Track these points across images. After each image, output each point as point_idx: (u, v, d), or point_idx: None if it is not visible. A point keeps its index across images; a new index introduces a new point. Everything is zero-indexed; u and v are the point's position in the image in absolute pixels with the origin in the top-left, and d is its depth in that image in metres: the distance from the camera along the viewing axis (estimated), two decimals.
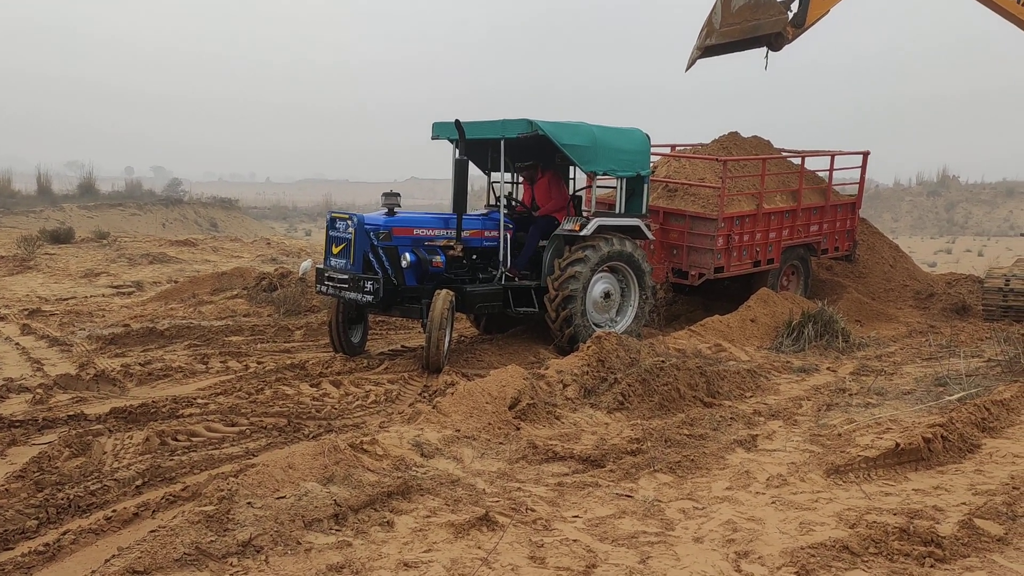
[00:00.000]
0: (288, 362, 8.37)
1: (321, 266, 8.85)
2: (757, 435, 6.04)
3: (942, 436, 5.58)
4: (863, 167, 12.84)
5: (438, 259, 8.72)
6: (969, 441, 5.72)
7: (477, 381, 6.70)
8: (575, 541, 4.16)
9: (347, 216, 8.57)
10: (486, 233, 9.25)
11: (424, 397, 7.16)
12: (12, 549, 4.16)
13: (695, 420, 6.36)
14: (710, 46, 11.97)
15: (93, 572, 3.61)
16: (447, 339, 8.19)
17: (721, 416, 6.53)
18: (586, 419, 6.53)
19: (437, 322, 7.94)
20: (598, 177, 9.44)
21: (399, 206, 8.92)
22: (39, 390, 6.98)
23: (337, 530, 4.17)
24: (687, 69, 12.38)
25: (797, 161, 12.32)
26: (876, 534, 4.11)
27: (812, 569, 3.81)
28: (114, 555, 3.80)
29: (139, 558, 3.59)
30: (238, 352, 8.86)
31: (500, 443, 5.79)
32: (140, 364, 8.12)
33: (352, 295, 8.38)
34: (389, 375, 8.11)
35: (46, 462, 5.20)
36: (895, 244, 14.62)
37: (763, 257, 11.47)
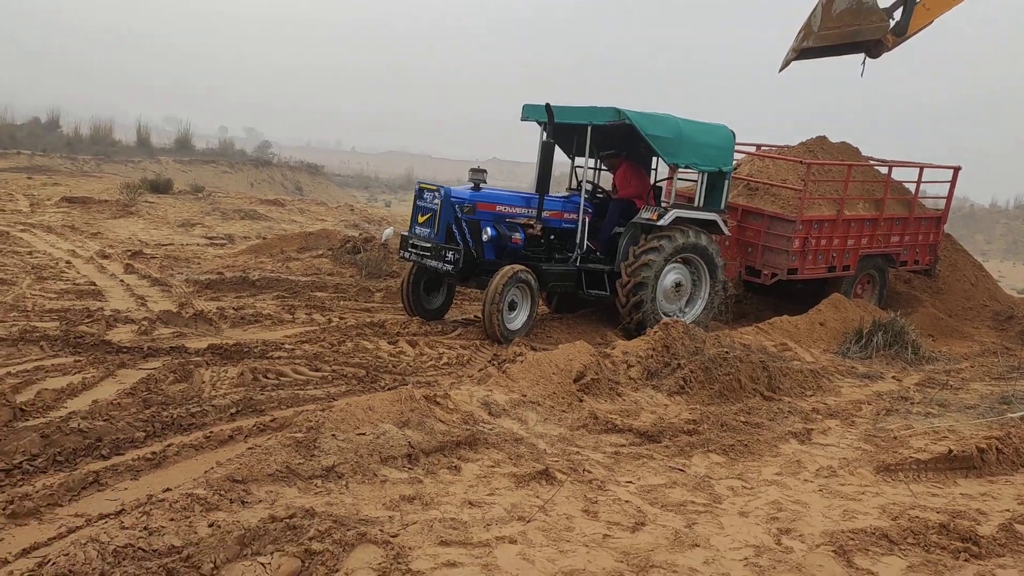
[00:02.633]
0: (368, 320, 8.85)
1: (406, 233, 9.26)
2: (812, 429, 6.23)
3: (997, 448, 5.68)
4: (952, 182, 12.65)
5: (517, 236, 9.05)
6: None
7: (546, 352, 7.03)
8: (627, 502, 4.47)
9: (435, 188, 8.95)
10: (565, 215, 9.52)
11: (494, 364, 7.52)
12: (123, 455, 4.67)
13: (752, 410, 6.58)
14: (807, 48, 11.96)
15: (196, 478, 4.07)
16: (524, 314, 8.70)
17: (779, 409, 6.72)
18: (646, 399, 6.79)
19: (491, 295, 8.35)
20: (680, 169, 9.63)
21: (485, 182, 9.25)
22: (144, 323, 7.59)
23: (409, 468, 4.56)
24: (780, 70, 12.40)
25: (884, 171, 12.24)
26: (916, 527, 4.31)
27: (849, 551, 4.04)
28: (214, 466, 4.27)
29: (237, 469, 4.04)
30: (322, 307, 9.38)
31: (563, 411, 6.12)
32: (233, 309, 8.70)
33: (433, 263, 8.75)
34: (462, 341, 8.51)
35: (152, 384, 5.74)
36: (979, 263, 14.36)
37: (839, 263, 11.45)
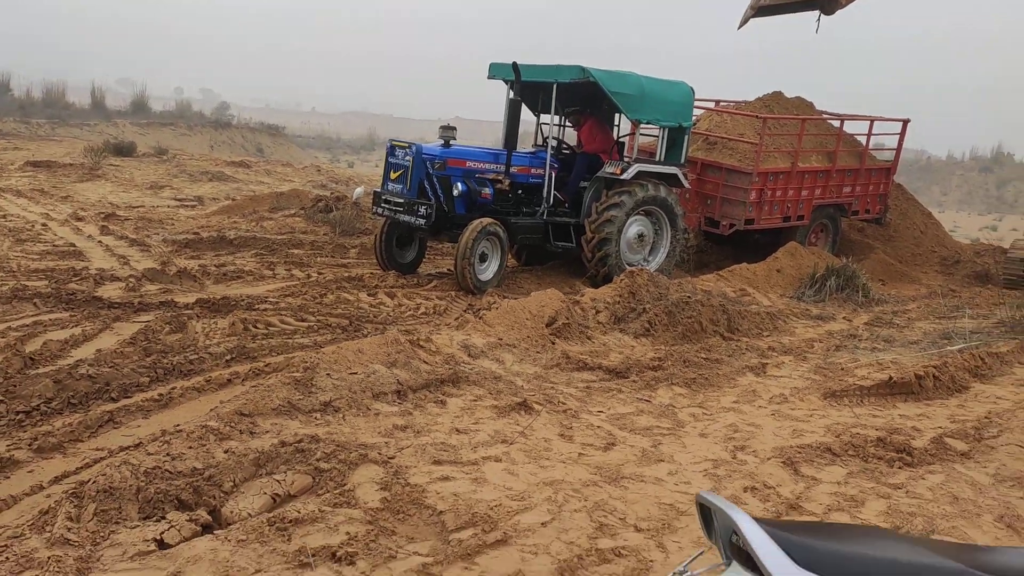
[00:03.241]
0: (346, 275, 9.18)
1: (379, 190, 9.55)
2: (767, 364, 6.74)
3: (934, 376, 6.23)
4: (902, 134, 13.16)
5: (487, 191, 9.42)
6: (959, 383, 6.36)
7: (519, 300, 7.44)
8: (598, 427, 4.93)
9: (407, 145, 9.23)
10: (532, 171, 9.88)
11: (470, 311, 7.91)
12: (131, 397, 5.01)
13: (713, 348, 7.06)
14: (764, 6, 12.32)
15: (207, 413, 4.44)
16: (494, 265, 9.08)
17: (737, 347, 7.23)
18: (614, 341, 7.25)
19: (463, 247, 8.71)
20: (642, 125, 10.01)
21: (455, 139, 9.51)
22: (131, 280, 7.86)
23: (399, 402, 4.97)
24: (739, 27, 12.76)
25: (836, 124, 12.72)
26: (857, 442, 4.83)
27: (796, 462, 4.54)
28: (219, 404, 4.64)
29: (244, 404, 4.41)
30: (300, 263, 9.68)
31: (537, 352, 6.55)
32: (215, 266, 8.97)
33: (406, 218, 9.07)
34: (437, 292, 8.89)
35: (150, 335, 6.06)
36: (928, 212, 14.99)
37: (794, 213, 11.92)
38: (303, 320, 7.10)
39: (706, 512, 1.78)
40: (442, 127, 9.56)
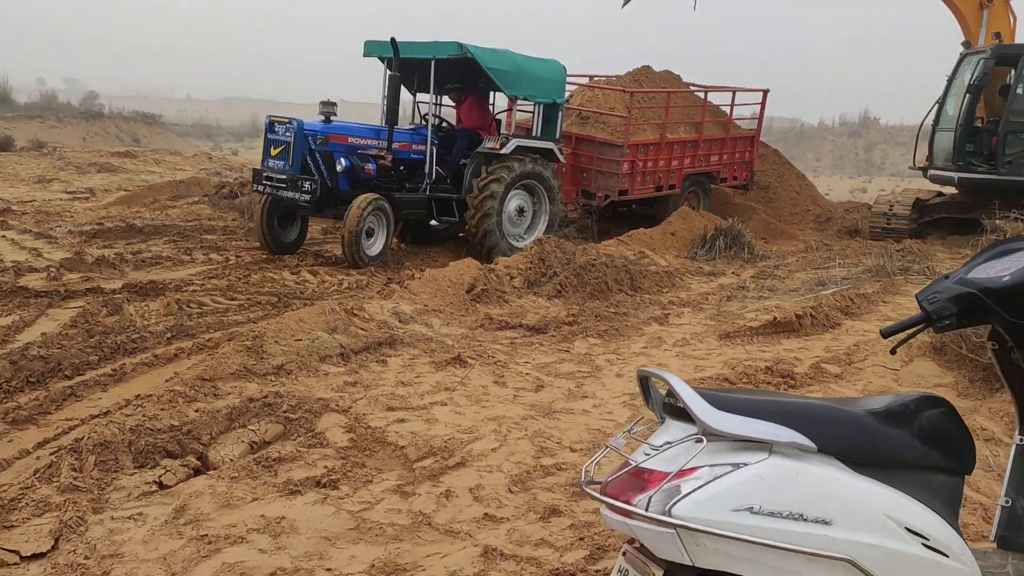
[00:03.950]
0: (264, 257, 9.43)
1: (259, 167, 9.51)
2: (669, 315, 7.47)
3: (811, 315, 7.08)
4: (763, 104, 14.06)
5: (369, 167, 9.52)
6: (832, 320, 7.23)
7: (439, 270, 7.94)
8: (527, 374, 5.50)
9: (287, 120, 9.25)
10: (414, 147, 10.05)
11: (394, 283, 8.34)
12: (84, 375, 5.26)
13: (619, 304, 7.76)
14: None
15: (171, 378, 4.78)
16: (381, 240, 9.28)
17: (641, 302, 7.95)
18: (530, 303, 7.84)
19: (351, 221, 8.81)
20: (518, 102, 10.41)
21: (335, 115, 9.63)
22: (50, 270, 7.93)
23: (345, 364, 5.41)
24: (623, 6, 13.50)
25: (701, 96, 13.54)
26: (749, 371, 5.56)
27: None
28: (176, 373, 4.98)
29: (204, 371, 4.78)
30: (216, 247, 9.86)
31: (461, 316, 7.08)
32: (131, 254, 9.07)
33: (289, 194, 9.06)
34: (358, 270, 9.26)
35: (88, 318, 6.26)
36: (802, 174, 16.24)
37: (665, 183, 12.57)
38: (233, 299, 7.39)
39: (644, 384, 2.35)
40: (322, 103, 9.61)
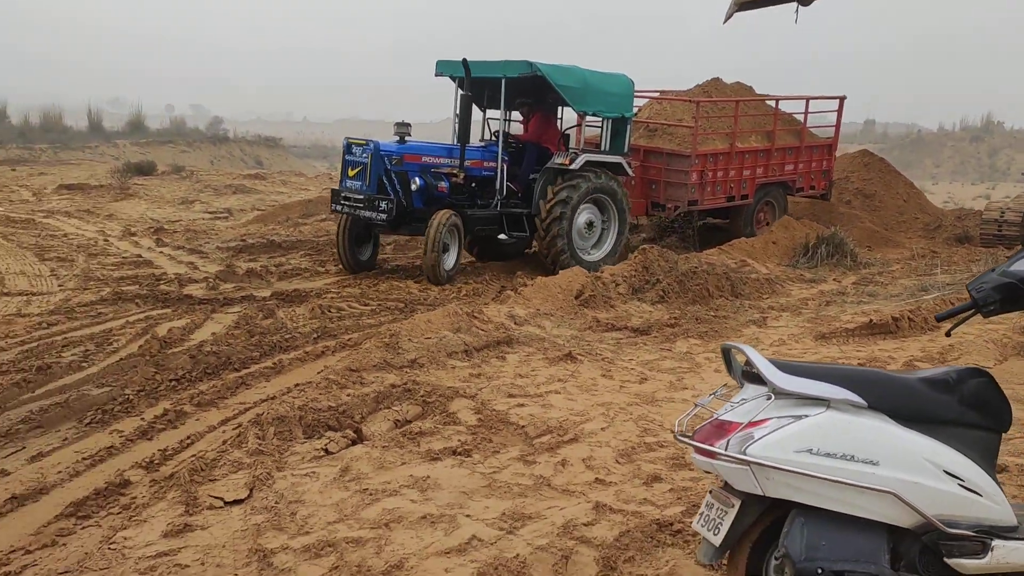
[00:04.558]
0: (388, 267, 10.30)
1: (336, 188, 9.88)
2: (767, 318, 7.87)
3: (909, 317, 7.35)
4: (839, 111, 13.67)
5: (443, 184, 9.73)
6: (931, 323, 7.47)
7: (550, 277, 8.59)
8: (632, 369, 6.06)
9: (364, 142, 9.56)
10: (485, 164, 10.21)
11: (508, 289, 9.02)
12: (249, 368, 6.13)
13: (720, 308, 8.20)
14: (746, 2, 13.42)
15: (322, 370, 5.57)
16: (454, 255, 9.51)
17: (740, 307, 8.36)
18: (634, 308, 8.37)
19: (431, 238, 9.03)
20: (587, 117, 10.57)
21: (409, 135, 9.86)
22: (208, 281, 8.98)
23: (468, 359, 6.09)
24: (724, 22, 13.86)
25: (773, 105, 13.26)
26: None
27: None
28: (326, 366, 5.77)
29: (350, 363, 5.55)
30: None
31: (571, 319, 7.68)
32: (274, 266, 10.10)
33: (367, 214, 9.33)
34: (474, 278, 9.99)
35: (248, 321, 7.19)
36: (910, 182, 16.12)
37: (737, 193, 12.42)
38: (366, 305, 8.23)
39: (726, 355, 2.90)
40: (396, 124, 9.86)
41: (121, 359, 6.10)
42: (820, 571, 2.45)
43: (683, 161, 11.77)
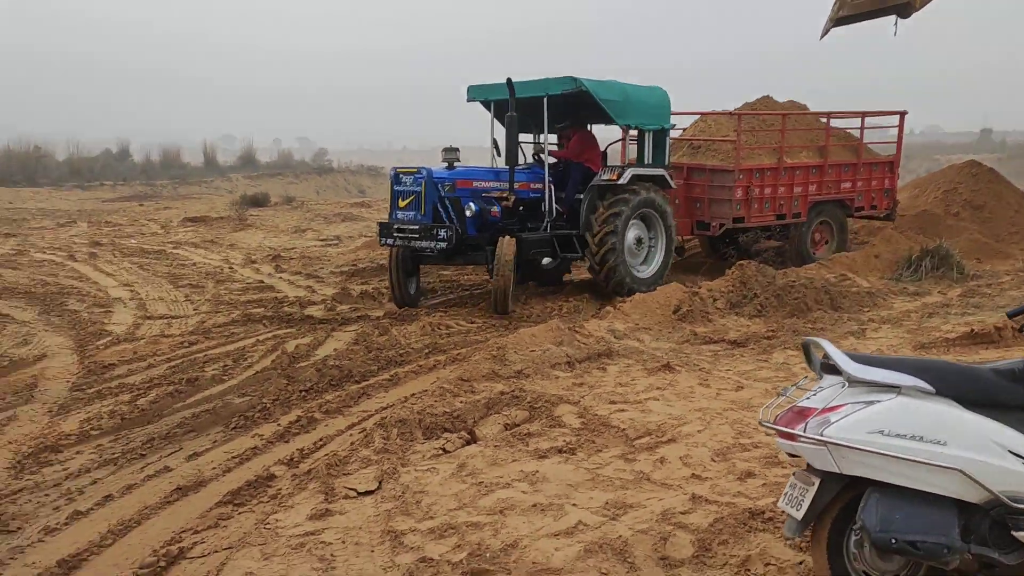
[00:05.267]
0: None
1: (384, 221, 9.56)
2: (866, 330, 7.95)
3: (1012, 327, 7.31)
4: (900, 127, 13.14)
5: (495, 209, 9.45)
6: None
7: (648, 293, 8.89)
8: (728, 378, 6.30)
9: (415, 170, 9.24)
10: (532, 186, 9.98)
11: (603, 308, 9.35)
12: (368, 380, 6.66)
13: (817, 320, 8.32)
14: (843, 17, 13.42)
15: (435, 381, 6.05)
16: (512, 283, 9.04)
17: (839, 319, 8.44)
18: (732, 322, 8.57)
19: (505, 265, 8.71)
20: (630, 130, 10.42)
21: (458, 160, 9.61)
22: (326, 303, 9.66)
23: (571, 370, 6.47)
24: (821, 38, 13.88)
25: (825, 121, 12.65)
26: None
27: None
28: (438, 378, 6.24)
29: (462, 374, 6.01)
30: (451, 280, 11.36)
31: (669, 332, 7.96)
32: (384, 288, 10.71)
33: (423, 244, 8.94)
34: (573, 296, 10.36)
35: (365, 338, 7.76)
36: (1022, 192, 15.63)
37: (788, 210, 11.88)
38: (472, 322, 8.70)
39: (806, 350, 3.18)
40: (445, 149, 9.69)
41: (256, 372, 6.74)
42: (894, 541, 2.71)
43: (727, 176, 11.38)
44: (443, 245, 8.80)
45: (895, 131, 13.23)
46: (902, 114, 13.11)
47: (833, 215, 12.63)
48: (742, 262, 9.78)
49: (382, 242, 9.44)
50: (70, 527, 3.99)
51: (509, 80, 9.31)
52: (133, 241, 16.29)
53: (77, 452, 5.00)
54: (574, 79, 9.43)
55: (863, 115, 12.78)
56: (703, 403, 5.58)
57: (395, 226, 9.21)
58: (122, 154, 42.81)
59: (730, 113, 12.28)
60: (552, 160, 10.24)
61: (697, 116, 13.40)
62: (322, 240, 18.12)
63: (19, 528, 3.99)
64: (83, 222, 19.23)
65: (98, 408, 5.81)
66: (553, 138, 10.74)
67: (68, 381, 6.49)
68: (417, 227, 8.98)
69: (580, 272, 11.41)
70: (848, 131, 13.10)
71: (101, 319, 8.79)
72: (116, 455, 4.95)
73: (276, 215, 23.68)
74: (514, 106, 9.24)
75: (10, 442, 5.12)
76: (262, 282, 11.71)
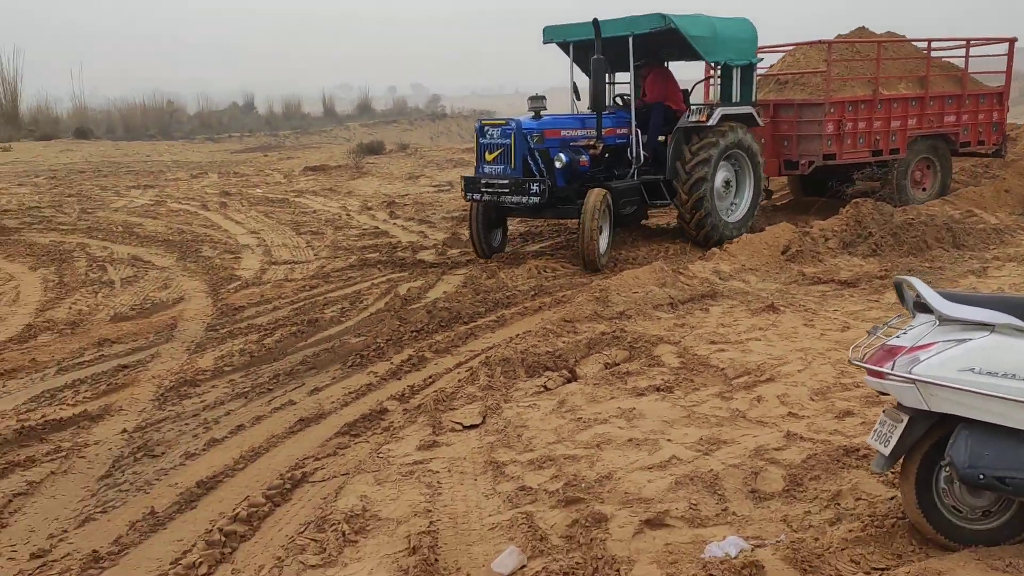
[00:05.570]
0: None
1: (470, 175, 9.23)
2: (988, 268, 7.62)
3: None
4: (1010, 55, 11.96)
5: (584, 159, 8.99)
6: None
7: (755, 234, 8.77)
8: (835, 319, 6.22)
9: (504, 121, 8.89)
10: (617, 131, 9.48)
11: (709, 249, 9.29)
12: (476, 321, 6.92)
13: (936, 259, 8.02)
14: None
15: (539, 322, 6.24)
16: (607, 236, 8.73)
17: (959, 257, 8.11)
18: (844, 262, 8.37)
19: (591, 217, 8.29)
20: (718, 66, 9.84)
21: (544, 108, 9.13)
22: (437, 247, 9.98)
23: (673, 311, 6.53)
24: None
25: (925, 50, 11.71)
26: None
27: None
28: (543, 319, 6.43)
29: (565, 315, 6.18)
30: (560, 225, 11.49)
31: (776, 273, 7.86)
32: None
33: (515, 199, 8.60)
34: (679, 239, 10.30)
35: (474, 281, 8.04)
36: None
37: (885, 146, 11.07)
38: (576, 265, 8.84)
39: (899, 289, 3.17)
40: (531, 98, 9.25)
41: (371, 314, 7.12)
42: (982, 477, 2.73)
43: (816, 110, 10.64)
44: (536, 200, 8.50)
45: (1004, 60, 12.12)
46: (1011, 41, 11.93)
47: (935, 151, 11.72)
48: (857, 200, 9.47)
49: (467, 197, 9.10)
50: (207, 452, 4.43)
51: (595, 21, 8.93)
52: (259, 190, 17.10)
53: (212, 386, 5.48)
54: (663, 16, 8.92)
55: (968, 42, 11.79)
56: (806, 343, 5.56)
57: (482, 181, 8.87)
58: (247, 107, 44.64)
59: (819, 42, 11.45)
60: (638, 102, 9.73)
61: (784, 51, 12.58)
62: (434, 186, 18.52)
63: (163, 453, 4.45)
64: (213, 173, 20.28)
65: (230, 347, 6.30)
66: (624, 76, 10.09)
67: (203, 322, 7.03)
68: (507, 181, 8.65)
69: (656, 217, 11.26)
70: (951, 60, 12.18)
71: (231, 265, 9.39)
72: (246, 389, 5.39)
73: (391, 162, 24.28)
74: (600, 48, 8.81)
75: (154, 377, 5.65)
76: (377, 228, 12.16)
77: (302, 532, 3.50)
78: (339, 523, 3.50)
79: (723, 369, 5.08)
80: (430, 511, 3.57)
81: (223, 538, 3.46)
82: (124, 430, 4.75)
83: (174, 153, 26.27)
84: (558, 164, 8.73)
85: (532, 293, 7.69)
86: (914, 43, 12.00)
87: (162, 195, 15.68)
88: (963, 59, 11.86)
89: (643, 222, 10.92)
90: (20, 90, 30.11)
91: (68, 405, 5.14)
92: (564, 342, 5.67)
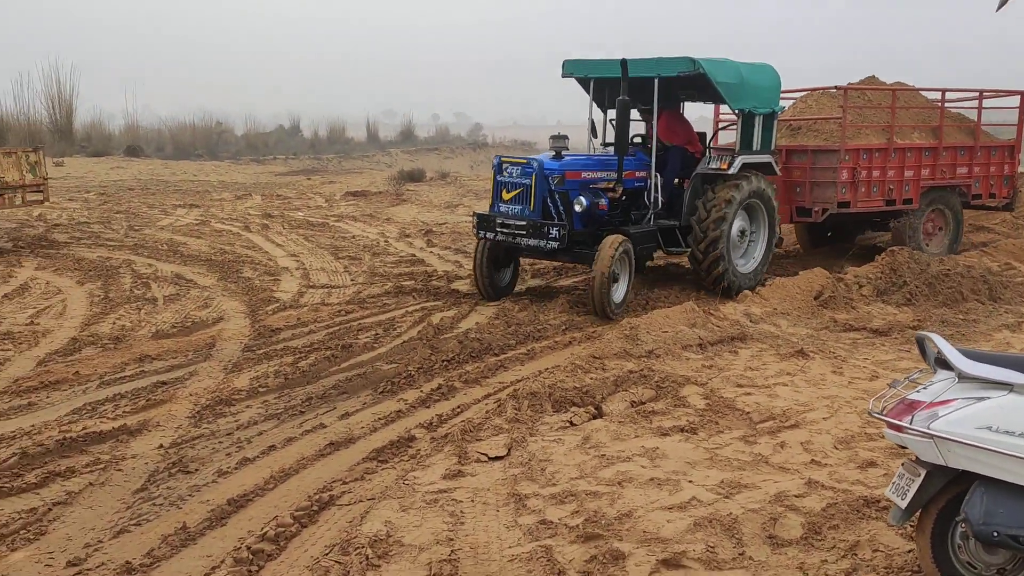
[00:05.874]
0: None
1: (483, 213, 8.85)
2: (1023, 323, 7.55)
3: None
4: (1022, 108, 11.84)
5: (603, 202, 8.62)
6: None
7: (788, 278, 8.78)
8: (864, 367, 6.22)
9: (524, 160, 8.60)
10: (636, 174, 9.21)
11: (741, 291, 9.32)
12: (506, 353, 7.02)
13: (971, 311, 7.98)
14: None
15: (568, 357, 6.32)
16: (624, 285, 8.42)
17: (995, 310, 8.06)
18: (877, 310, 8.35)
19: (602, 269, 7.94)
20: (742, 114, 9.41)
21: (567, 148, 8.86)
22: (472, 277, 10.11)
23: (702, 352, 6.58)
24: (997, 10, 12.98)
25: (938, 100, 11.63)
26: None
27: None
28: (572, 354, 6.51)
29: (594, 351, 6.25)
30: None
31: (808, 318, 7.87)
32: (528, 264, 11.09)
33: (532, 242, 8.29)
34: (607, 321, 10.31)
35: (506, 312, 8.15)
36: None
37: (898, 195, 10.99)
38: None
39: (921, 345, 3.22)
40: (553, 136, 8.96)
41: (404, 342, 7.25)
42: (996, 534, 2.75)
43: (831, 157, 10.55)
44: (555, 244, 8.16)
45: (1015, 113, 12.01)
46: (1023, 94, 11.93)
47: (948, 203, 11.57)
48: (893, 248, 9.45)
49: (480, 235, 8.71)
50: (239, 471, 4.56)
51: (624, 61, 8.66)
52: (300, 214, 17.43)
53: (246, 406, 5.63)
54: (692, 60, 8.72)
55: (980, 94, 11.71)
56: (833, 391, 5.57)
57: (497, 220, 8.51)
58: (293, 129, 45.50)
59: (835, 88, 11.39)
60: (658, 146, 9.44)
61: (797, 96, 12.51)
62: (472, 216, 18.77)
63: (196, 469, 4.59)
64: (257, 195, 20.70)
65: (265, 368, 6.47)
66: (635, 114, 9.69)
67: (241, 342, 7.22)
68: (525, 223, 8.29)
69: (661, 258, 11.17)
70: (962, 112, 12.09)
71: (270, 286, 9.62)
72: (279, 411, 5.54)
73: (431, 190, 24.60)
74: (626, 89, 8.51)
75: (191, 394, 5.82)
76: (414, 256, 12.35)
77: (327, 554, 3.60)
78: (363, 547, 3.60)
79: (748, 413, 5.12)
80: (452, 539, 3.65)
81: (251, 556, 3.58)
82: (160, 445, 4.91)
83: (220, 173, 26.86)
84: (578, 208, 8.43)
85: (563, 328, 7.78)
86: (928, 93, 12.00)
87: (207, 215, 16.06)
88: (975, 110, 11.83)
89: (648, 263, 10.59)
90: (75, 106, 31.07)
91: (108, 418, 5.32)
92: (592, 378, 5.74)
